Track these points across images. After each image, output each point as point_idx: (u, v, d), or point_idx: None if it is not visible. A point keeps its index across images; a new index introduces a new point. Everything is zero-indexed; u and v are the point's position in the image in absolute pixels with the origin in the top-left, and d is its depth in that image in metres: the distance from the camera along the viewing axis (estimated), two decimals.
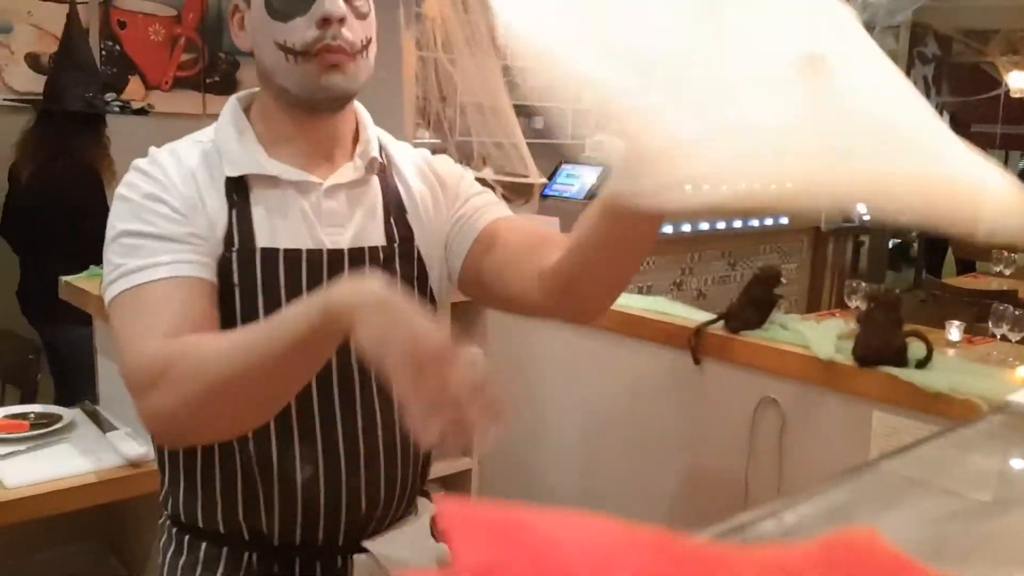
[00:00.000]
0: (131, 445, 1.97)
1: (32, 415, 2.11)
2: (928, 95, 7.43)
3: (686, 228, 4.56)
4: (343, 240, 1.09)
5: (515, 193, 2.90)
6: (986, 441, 0.82)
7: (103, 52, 3.96)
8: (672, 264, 4.58)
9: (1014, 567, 0.57)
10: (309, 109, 1.08)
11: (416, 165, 1.21)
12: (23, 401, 2.58)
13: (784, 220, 5.18)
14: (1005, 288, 4.02)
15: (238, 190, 1.07)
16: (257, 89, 1.14)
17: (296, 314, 0.86)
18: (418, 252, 1.15)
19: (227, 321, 1.01)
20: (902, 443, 0.73)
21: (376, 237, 1.12)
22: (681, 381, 2.02)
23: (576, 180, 4.01)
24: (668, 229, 4.45)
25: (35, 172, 3.19)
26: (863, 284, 3.03)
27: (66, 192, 3.17)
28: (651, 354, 2.07)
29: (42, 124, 3.28)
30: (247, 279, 1.03)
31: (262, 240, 1.05)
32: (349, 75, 1.05)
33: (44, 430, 2.02)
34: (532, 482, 2.38)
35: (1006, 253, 4.70)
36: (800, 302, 5.35)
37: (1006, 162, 9.84)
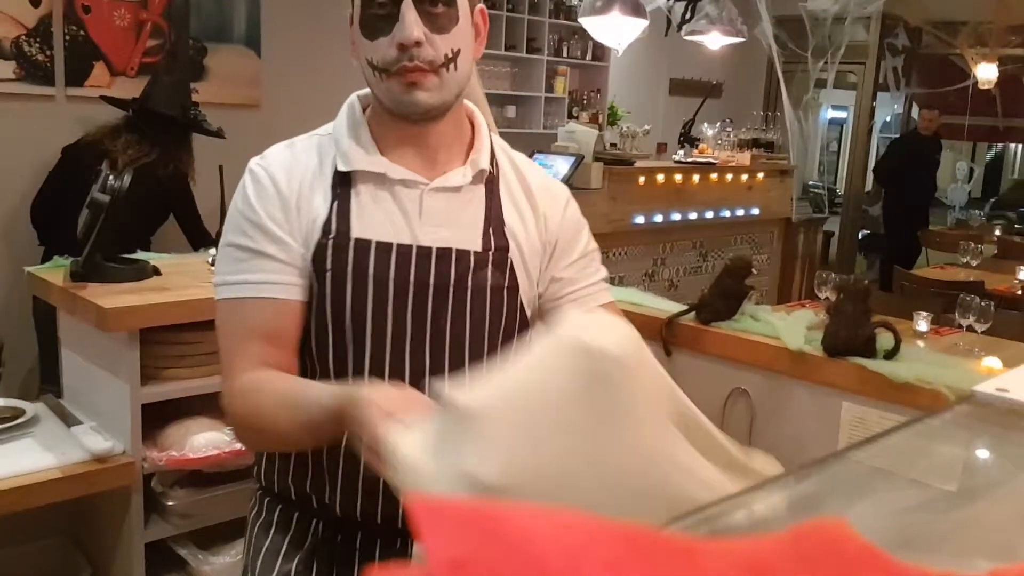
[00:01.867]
0: (96, 439, 1.95)
1: None
2: (898, 86, 7.51)
3: (658, 219, 4.58)
4: (438, 239, 1.13)
5: None
6: (952, 431, 0.83)
7: (67, 37, 3.89)
8: (644, 255, 4.60)
9: (979, 556, 0.57)
10: (403, 119, 1.13)
11: (529, 184, 1.23)
12: None
13: (755, 211, 5.22)
14: (972, 279, 4.08)
15: (344, 183, 1.13)
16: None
17: (320, 398, 1.00)
18: (511, 264, 1.18)
19: (319, 302, 1.12)
20: (870, 433, 0.74)
21: (471, 242, 1.15)
22: None
23: (548, 170, 4.00)
24: (640, 220, 4.48)
25: (138, 168, 3.27)
26: (833, 275, 3.06)
27: (165, 194, 3.41)
28: None
29: (147, 125, 3.44)
30: (338, 265, 1.11)
31: (357, 231, 1.12)
32: (431, 90, 1.09)
33: (7, 424, 1.98)
34: None
35: (973, 244, 4.77)
36: (771, 293, 5.40)
37: (973, 153, 9.98)
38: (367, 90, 1.19)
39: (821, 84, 6.47)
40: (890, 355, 1.69)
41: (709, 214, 4.90)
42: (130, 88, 3.95)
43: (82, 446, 1.93)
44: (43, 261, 3.26)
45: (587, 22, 4.59)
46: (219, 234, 1.21)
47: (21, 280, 2.62)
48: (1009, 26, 6.53)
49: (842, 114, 9.48)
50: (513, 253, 1.18)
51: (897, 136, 7.96)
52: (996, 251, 5.72)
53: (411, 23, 1.05)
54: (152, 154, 3.33)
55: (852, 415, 1.68)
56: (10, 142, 3.71)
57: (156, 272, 2.15)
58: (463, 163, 1.18)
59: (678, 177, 4.71)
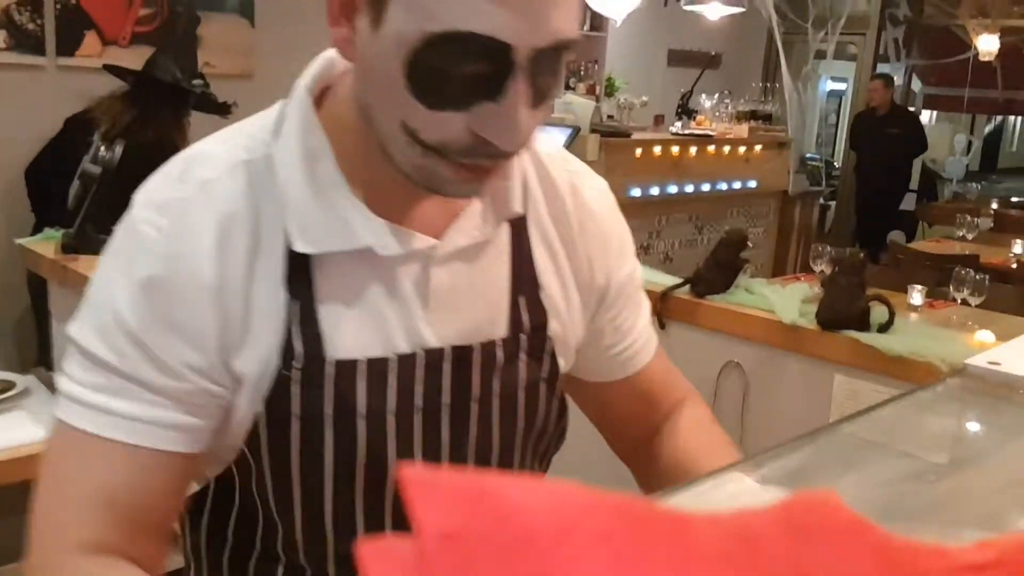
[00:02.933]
0: None
1: None
2: (898, 57, 7.47)
3: (654, 191, 4.57)
4: (452, 332, 0.77)
5: None
6: (943, 404, 0.84)
7: (57, 6, 3.85)
8: (639, 227, 4.59)
9: (968, 527, 0.58)
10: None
11: (563, 201, 0.84)
12: None
13: (752, 184, 5.21)
14: (967, 252, 4.09)
15: (302, 270, 0.71)
16: (337, 60, 0.75)
17: None
18: (551, 345, 0.82)
19: (282, 458, 0.73)
20: (862, 406, 0.74)
21: (496, 325, 0.79)
22: None
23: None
24: (636, 192, 4.46)
25: (122, 132, 3.21)
26: (829, 248, 3.06)
27: (145, 161, 3.25)
28: None
29: (136, 94, 3.38)
30: (312, 407, 0.72)
31: (336, 347, 0.72)
32: (491, 180, 0.70)
33: None
34: None
35: (968, 218, 4.77)
36: (767, 266, 5.41)
37: (972, 125, 9.96)
38: (320, 65, 0.75)
39: (821, 55, 6.43)
40: (884, 328, 1.70)
41: (706, 187, 4.89)
42: (122, 57, 3.91)
43: None
44: (34, 232, 3.25)
45: None
46: None
47: (15, 252, 2.62)
48: None
49: (841, 86, 9.43)
50: (553, 329, 0.82)
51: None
52: (993, 224, 5.73)
53: (521, 121, 0.62)
54: (146, 126, 3.32)
55: (844, 388, 1.69)
56: (1, 113, 3.69)
57: None
58: (480, 199, 0.77)
59: (675, 149, 4.69)
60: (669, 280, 2.07)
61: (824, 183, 6.42)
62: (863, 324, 1.72)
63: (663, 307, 1.99)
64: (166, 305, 0.68)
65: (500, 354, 0.79)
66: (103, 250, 0.73)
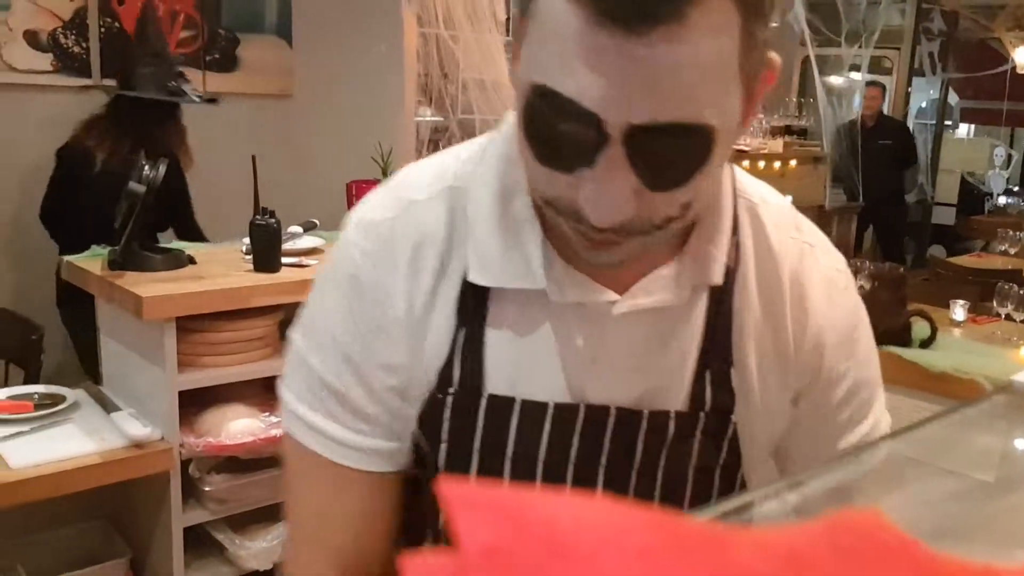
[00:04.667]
0: (135, 425, 1.98)
1: (36, 396, 2.11)
2: (934, 71, 7.37)
3: None
4: (618, 392, 0.72)
5: None
6: (989, 421, 0.82)
7: (102, 29, 3.94)
8: None
9: (1017, 547, 0.57)
10: None
11: (783, 282, 0.76)
12: (27, 382, 2.59)
13: (788, 199, 5.16)
14: (1010, 267, 4.01)
15: (476, 300, 0.71)
16: None
17: None
18: (733, 431, 0.75)
19: (425, 484, 0.76)
20: (905, 423, 0.73)
21: (673, 396, 0.73)
22: None
23: None
24: None
25: (117, 161, 3.07)
26: (867, 263, 3.02)
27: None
28: None
29: (120, 112, 3.23)
30: (461, 435, 0.72)
31: (495, 382, 0.72)
32: (628, 252, 0.64)
33: (48, 411, 2.02)
34: None
35: (1011, 232, 4.68)
36: None
37: (1012, 139, 9.78)
38: None
39: (855, 70, 6.37)
40: (926, 344, 1.67)
41: None
42: None
43: (121, 432, 1.96)
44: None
45: None
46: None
47: (53, 269, 2.66)
48: None
49: None
50: (740, 414, 0.75)
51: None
52: None
53: (614, 196, 0.59)
54: (126, 145, 3.11)
55: (886, 405, 1.66)
56: (47, 133, 3.76)
57: (191, 261, 2.18)
58: (671, 259, 0.71)
59: None
60: None
61: (861, 197, 6.34)
62: (904, 340, 1.69)
63: None
64: (368, 331, 0.72)
65: (672, 427, 0.73)
66: (320, 267, 0.79)
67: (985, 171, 8.41)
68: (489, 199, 0.71)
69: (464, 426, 0.72)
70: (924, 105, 9.18)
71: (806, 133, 5.74)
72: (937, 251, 6.63)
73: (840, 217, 5.74)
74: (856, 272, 2.99)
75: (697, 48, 0.55)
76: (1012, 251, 4.56)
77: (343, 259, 0.74)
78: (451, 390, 0.72)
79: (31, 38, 3.80)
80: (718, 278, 0.72)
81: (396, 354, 0.72)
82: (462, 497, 0.33)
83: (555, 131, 0.59)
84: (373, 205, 0.75)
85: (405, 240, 0.72)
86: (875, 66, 7.10)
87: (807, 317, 0.76)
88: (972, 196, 7.72)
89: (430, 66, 3.09)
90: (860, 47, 5.99)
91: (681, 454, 0.74)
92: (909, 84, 7.07)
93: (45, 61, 3.82)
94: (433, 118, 3.16)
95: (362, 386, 0.73)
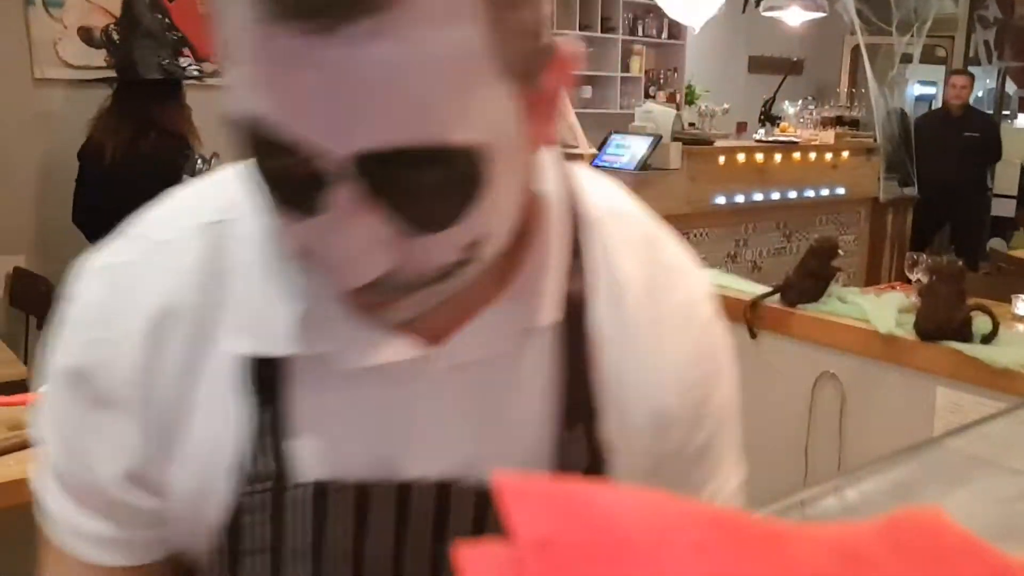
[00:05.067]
0: None
1: None
2: (989, 60, 7.17)
3: (739, 199, 4.49)
4: (454, 465, 0.59)
5: None
6: None
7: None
8: (726, 236, 4.51)
9: None
10: None
11: (631, 310, 0.61)
12: None
13: (840, 191, 5.07)
14: None
15: (267, 369, 0.56)
16: None
17: None
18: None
19: None
20: (967, 420, 0.71)
21: (531, 460, 0.59)
22: (738, 355, 2.00)
23: (626, 150, 3.97)
24: (721, 200, 4.39)
25: (123, 148, 3.06)
26: (924, 256, 2.95)
27: (161, 164, 3.00)
28: None
29: (121, 99, 3.19)
30: (276, 536, 0.57)
31: (307, 467, 0.57)
32: (413, 308, 0.51)
33: None
34: None
35: None
36: (859, 275, 5.25)
37: None
38: None
39: (907, 59, 6.23)
40: (987, 339, 1.63)
41: (792, 194, 4.78)
42: (217, 75, 4.05)
43: None
44: None
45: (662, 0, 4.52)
46: None
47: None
48: None
49: (930, 90, 9.12)
50: (623, 462, 0.61)
51: (926, 112, 6.77)
52: None
53: (360, 251, 0.46)
54: (127, 131, 3.03)
55: (947, 401, 1.63)
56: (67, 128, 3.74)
57: None
58: (501, 297, 0.57)
59: (759, 156, 4.61)
60: (758, 289, 2.03)
61: (917, 189, 6.20)
62: (964, 335, 1.65)
63: (753, 316, 1.95)
64: (85, 402, 0.57)
65: None
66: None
67: None
68: (254, 238, 0.55)
69: (275, 527, 0.57)
70: (980, 95, 8.93)
71: (858, 124, 5.63)
72: (997, 244, 6.44)
73: (895, 209, 5.61)
74: (912, 266, 2.93)
75: (418, 44, 0.41)
76: None
77: (68, 311, 0.58)
78: (257, 489, 0.56)
79: (85, 35, 3.87)
80: (547, 318, 0.57)
81: (122, 431, 0.57)
82: (516, 488, 0.33)
83: (269, 170, 0.46)
84: (112, 243, 0.59)
85: (146, 294, 0.56)
86: (928, 56, 6.93)
87: (657, 356, 0.61)
88: None
89: None
90: (912, 36, 5.85)
91: None
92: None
93: (99, 57, 3.89)
94: None
95: (79, 463, 0.58)
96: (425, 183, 0.45)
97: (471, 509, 0.59)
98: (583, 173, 0.64)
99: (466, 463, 0.58)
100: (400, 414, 0.58)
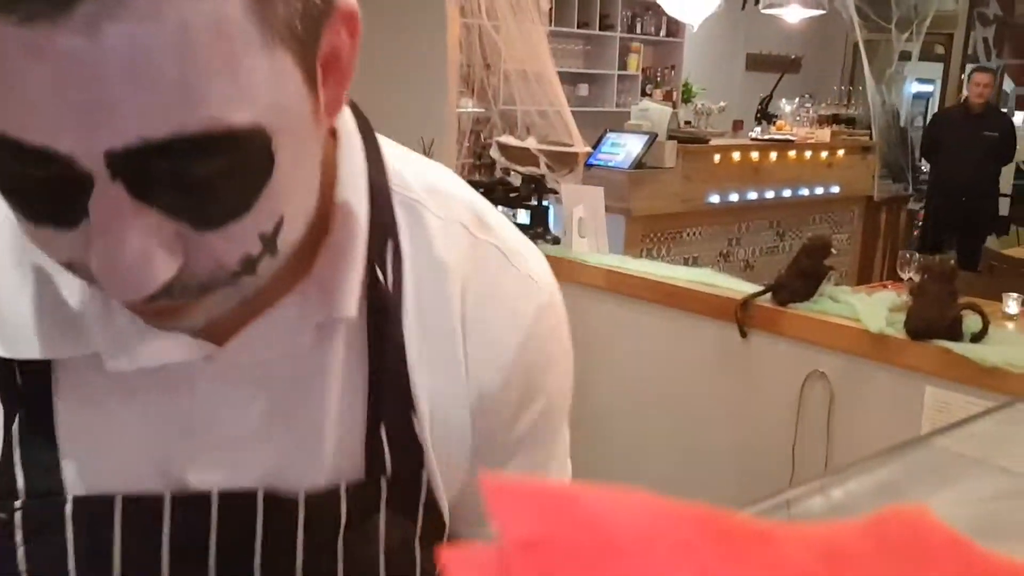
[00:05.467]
0: None
1: None
2: (988, 57, 7.19)
3: (733, 198, 4.50)
4: (249, 474, 0.54)
5: (559, 163, 2.88)
6: None
7: None
8: (719, 234, 4.52)
9: None
10: None
11: (452, 300, 0.57)
12: None
13: (835, 189, 5.08)
14: None
15: (31, 376, 0.52)
16: None
17: None
18: (429, 486, 0.57)
19: None
20: (955, 418, 0.72)
21: (341, 468, 0.55)
22: (727, 354, 2.01)
23: (621, 149, 3.97)
24: (715, 199, 4.40)
25: None
26: (916, 255, 2.97)
27: None
28: (697, 327, 2.06)
29: None
30: (44, 560, 0.51)
31: (76, 481, 0.52)
32: (208, 310, 0.47)
33: None
34: (574, 457, 2.39)
35: None
36: (851, 274, 5.26)
37: None
38: None
39: (906, 57, 6.24)
40: (977, 338, 1.64)
41: (787, 192, 4.79)
42: None
43: None
44: None
45: None
46: None
47: None
48: None
49: (928, 87, 9.14)
50: (438, 464, 0.57)
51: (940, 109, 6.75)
52: None
53: (128, 256, 0.41)
54: None
55: (936, 400, 1.63)
56: None
57: None
58: (296, 290, 0.53)
59: (754, 155, 4.62)
60: (750, 287, 2.03)
61: (911, 188, 6.21)
62: (955, 333, 1.66)
63: (744, 315, 1.96)
64: None
65: (345, 508, 0.54)
66: None
67: None
68: (10, 235, 0.51)
69: (43, 549, 0.51)
70: None
71: (855, 122, 5.64)
72: (991, 242, 6.46)
73: (889, 208, 5.63)
74: (904, 265, 2.94)
75: (164, 19, 0.36)
76: None
77: None
78: (18, 503, 0.51)
79: None
80: (349, 310, 0.52)
81: None
82: (503, 489, 0.33)
83: (24, 180, 0.40)
84: None
85: None
86: (927, 53, 6.94)
87: (484, 337, 0.57)
88: None
89: (472, 57, 3.10)
90: (912, 34, 5.87)
91: (364, 538, 0.55)
92: (963, 71, 6.90)
93: None
94: (475, 109, 3.17)
95: None
96: (198, 175, 0.40)
97: (279, 520, 0.53)
98: (394, 151, 0.59)
99: (267, 470, 0.53)
100: (181, 420, 0.53)
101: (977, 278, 3.67)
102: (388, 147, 0.58)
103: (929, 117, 9.36)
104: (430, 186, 0.58)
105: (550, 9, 2.90)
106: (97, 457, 0.52)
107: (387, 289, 0.54)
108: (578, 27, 5.89)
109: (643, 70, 6.39)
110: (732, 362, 2.02)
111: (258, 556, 0.53)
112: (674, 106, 5.53)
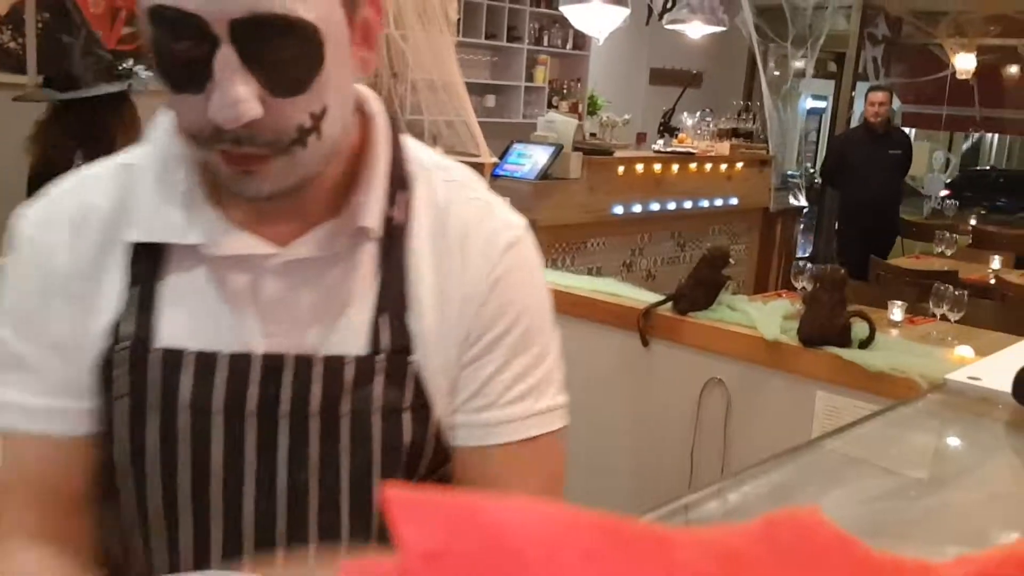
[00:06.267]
0: None
1: None
2: (877, 76, 7.55)
3: (636, 209, 4.59)
4: (288, 341, 0.75)
5: None
6: (924, 419, 0.84)
7: (39, 24, 3.84)
8: (622, 245, 4.60)
9: (949, 543, 0.58)
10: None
11: (455, 228, 0.79)
12: None
13: (733, 201, 5.24)
14: (946, 268, 4.12)
15: (148, 259, 0.74)
16: None
17: None
18: (416, 372, 0.77)
19: (109, 438, 0.75)
20: (844, 422, 0.75)
21: (348, 342, 0.75)
22: (630, 363, 2.04)
23: (527, 160, 4.00)
24: (619, 210, 4.48)
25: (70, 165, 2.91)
26: (810, 265, 3.08)
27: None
28: (600, 336, 2.09)
29: (64, 115, 2.93)
30: (135, 390, 0.73)
31: (166, 336, 0.74)
32: (276, 176, 0.69)
33: None
34: None
35: (948, 234, 4.82)
36: (748, 283, 5.43)
37: (951, 144, 10.08)
38: None
39: (800, 74, 6.50)
40: (864, 344, 1.71)
41: (688, 204, 4.92)
42: None
43: None
44: None
45: (568, 10, 4.59)
46: None
47: None
48: (988, 16, 6.58)
49: (822, 104, 9.54)
50: (421, 355, 0.76)
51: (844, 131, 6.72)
52: (971, 241, 5.78)
53: (235, 95, 0.63)
54: (99, 141, 2.78)
55: (826, 404, 1.70)
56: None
57: None
58: (337, 214, 0.75)
59: (657, 167, 4.72)
60: (652, 297, 2.07)
61: (805, 200, 6.46)
62: (844, 340, 1.73)
63: (646, 324, 1.99)
64: (30, 291, 0.75)
65: (349, 372, 0.75)
66: None
67: (924, 174, 8.64)
68: (154, 168, 0.76)
69: (136, 381, 0.74)
70: None
71: (752, 136, 5.83)
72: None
73: (784, 219, 5.83)
74: (798, 274, 3.05)
75: None
76: (948, 253, 4.70)
77: (13, 230, 0.78)
78: (118, 346, 0.74)
79: None
80: (373, 223, 0.75)
81: (60, 310, 0.75)
82: (404, 501, 0.33)
83: (173, 51, 0.64)
84: (50, 193, 0.79)
85: (70, 208, 0.76)
86: (820, 70, 7.24)
87: (472, 260, 0.78)
88: (911, 198, 7.92)
89: (379, 65, 3.07)
90: (806, 51, 6.11)
91: (363, 397, 0.75)
92: (853, 88, 7.24)
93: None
94: None
95: (30, 342, 0.75)
96: (281, 51, 0.64)
97: (322, 380, 0.74)
98: (416, 143, 0.84)
99: (311, 343, 0.75)
100: (250, 298, 0.74)
101: (865, 287, 3.84)
102: (412, 141, 0.83)
103: (822, 132, 9.76)
104: (438, 163, 0.82)
105: (458, 20, 2.90)
106: (183, 319, 0.74)
107: (396, 223, 0.76)
108: (486, 38, 5.91)
109: (550, 82, 6.46)
110: (634, 370, 2.05)
111: (285, 404, 0.74)
112: (580, 118, 5.60)
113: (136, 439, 0.74)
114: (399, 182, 0.78)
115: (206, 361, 0.74)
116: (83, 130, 2.95)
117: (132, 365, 0.73)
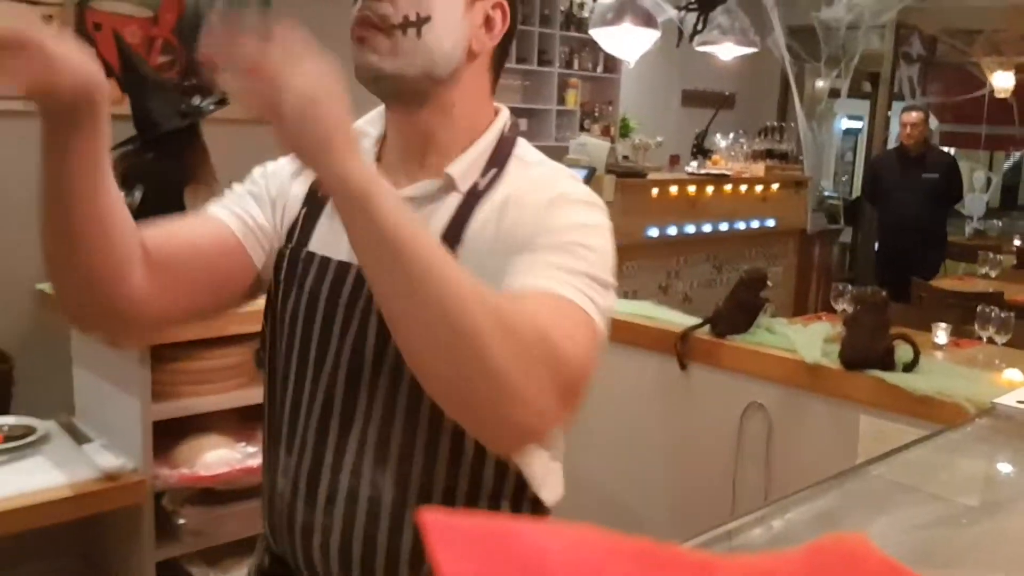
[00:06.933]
0: (107, 457, 1.95)
1: (6, 427, 2.06)
2: (913, 95, 7.47)
3: (671, 231, 4.57)
4: None
5: None
6: (973, 445, 0.82)
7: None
8: (658, 268, 4.58)
9: (1001, 571, 0.56)
10: (379, 96, 1.02)
11: (522, 198, 0.98)
12: None
13: (770, 222, 5.20)
14: (991, 290, 4.04)
15: (314, 197, 1.06)
16: None
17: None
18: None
19: (271, 311, 1.07)
20: (889, 447, 0.73)
21: None
22: (667, 387, 2.02)
23: None
24: (654, 232, 4.46)
25: (157, 208, 3.02)
26: (850, 287, 3.04)
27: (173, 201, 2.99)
28: (637, 360, 2.07)
29: (141, 155, 3.19)
30: (287, 279, 1.04)
31: (315, 244, 1.04)
32: (380, 53, 0.93)
33: (18, 442, 1.98)
34: None
35: (992, 255, 4.73)
36: (787, 305, 5.37)
37: (991, 163, 9.92)
38: None
39: (835, 94, 6.44)
40: (909, 368, 1.68)
41: (723, 226, 4.89)
42: None
43: (93, 464, 1.93)
44: None
45: (598, 34, 4.60)
46: None
47: (26, 298, 2.62)
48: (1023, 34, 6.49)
49: (858, 124, 9.46)
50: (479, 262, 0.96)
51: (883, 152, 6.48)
52: (1016, 261, 5.67)
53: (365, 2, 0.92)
54: (173, 171, 3.15)
55: (871, 429, 1.66)
56: (18, 161, 3.71)
57: None
58: (438, 173, 1.01)
59: (691, 189, 4.70)
60: (689, 320, 2.05)
61: (843, 221, 6.38)
62: (887, 363, 1.69)
63: (683, 347, 1.97)
64: (263, 186, 1.09)
65: None
66: None
67: (965, 195, 8.50)
68: (370, 118, 1.07)
69: (289, 274, 1.03)
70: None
71: (787, 157, 5.79)
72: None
73: (822, 241, 5.77)
74: (838, 296, 3.00)
75: None
76: (993, 274, 4.61)
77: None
78: (290, 245, 1.04)
79: None
80: (462, 185, 0.98)
81: (268, 202, 1.08)
82: (443, 528, 0.32)
83: None
84: None
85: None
86: (855, 90, 7.19)
87: (533, 207, 0.96)
88: (953, 219, 7.80)
89: None
90: (840, 72, 6.07)
91: None
92: (889, 108, 7.18)
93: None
94: None
95: (252, 199, 1.07)
96: None
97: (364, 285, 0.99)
98: (530, 145, 1.08)
99: None
100: None
101: (908, 309, 3.77)
102: (526, 143, 1.08)
103: (859, 152, 9.63)
104: (541, 160, 1.06)
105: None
106: (328, 236, 1.02)
107: (479, 190, 0.99)
108: (517, 63, 5.95)
109: (581, 105, 6.47)
110: (672, 394, 2.03)
111: (364, 301, 0.99)
112: (612, 141, 5.60)
113: (280, 319, 1.04)
114: (498, 162, 1.01)
115: (323, 263, 1.02)
116: (167, 168, 3.06)
117: (291, 263, 1.03)
